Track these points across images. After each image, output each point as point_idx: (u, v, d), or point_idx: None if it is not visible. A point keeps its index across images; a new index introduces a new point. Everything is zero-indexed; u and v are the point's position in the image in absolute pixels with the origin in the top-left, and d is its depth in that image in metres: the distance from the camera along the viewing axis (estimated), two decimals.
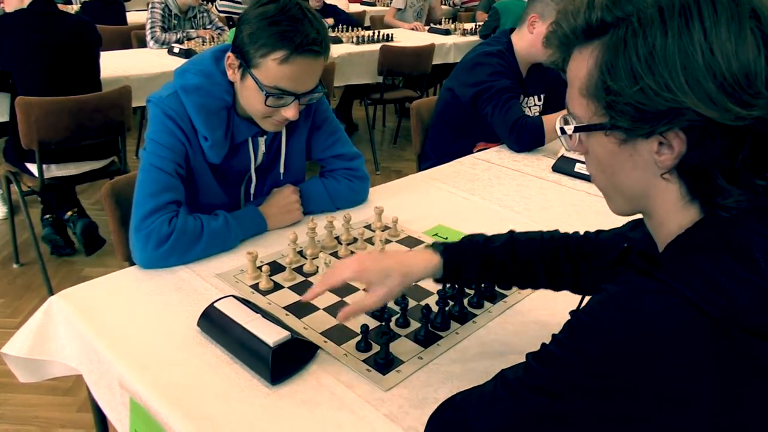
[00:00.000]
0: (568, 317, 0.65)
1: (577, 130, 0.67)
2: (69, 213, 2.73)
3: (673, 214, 0.65)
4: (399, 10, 5.37)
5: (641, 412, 0.57)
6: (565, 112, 0.69)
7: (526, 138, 1.95)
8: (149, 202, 1.23)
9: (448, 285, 1.11)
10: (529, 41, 2.06)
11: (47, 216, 2.83)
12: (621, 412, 0.59)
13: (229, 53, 1.26)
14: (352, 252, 1.30)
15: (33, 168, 2.49)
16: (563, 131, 0.69)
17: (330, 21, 4.47)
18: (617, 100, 0.60)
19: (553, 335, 0.65)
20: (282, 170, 1.45)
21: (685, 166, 0.61)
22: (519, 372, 0.67)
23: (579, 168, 1.76)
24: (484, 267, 0.94)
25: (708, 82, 0.56)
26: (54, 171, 2.54)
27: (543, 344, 0.67)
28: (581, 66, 0.64)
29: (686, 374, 0.56)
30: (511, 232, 0.97)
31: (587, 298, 0.67)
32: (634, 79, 0.58)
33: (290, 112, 1.25)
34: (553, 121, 1.93)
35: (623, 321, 0.58)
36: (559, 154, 1.87)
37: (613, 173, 0.66)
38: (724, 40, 0.56)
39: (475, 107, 2.03)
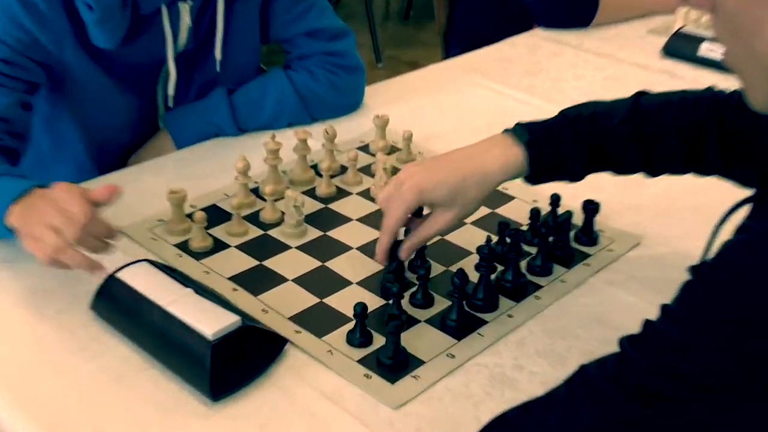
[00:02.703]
0: None
1: None
2: None
3: None
4: None
5: None
6: None
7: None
8: None
9: (494, 241, 1.13)
10: None
11: None
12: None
13: None
14: (339, 189, 1.30)
15: None
16: None
17: None
18: None
19: (662, 306, 0.71)
20: (219, 56, 1.45)
21: None
22: (608, 366, 0.71)
23: (705, 50, 1.78)
24: (592, 158, 1.08)
25: None
26: None
27: (645, 321, 0.71)
28: None
29: None
30: (638, 97, 1.10)
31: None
32: None
33: None
34: None
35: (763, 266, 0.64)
36: (674, 30, 1.89)
37: (751, 33, 0.71)
38: None
39: None
